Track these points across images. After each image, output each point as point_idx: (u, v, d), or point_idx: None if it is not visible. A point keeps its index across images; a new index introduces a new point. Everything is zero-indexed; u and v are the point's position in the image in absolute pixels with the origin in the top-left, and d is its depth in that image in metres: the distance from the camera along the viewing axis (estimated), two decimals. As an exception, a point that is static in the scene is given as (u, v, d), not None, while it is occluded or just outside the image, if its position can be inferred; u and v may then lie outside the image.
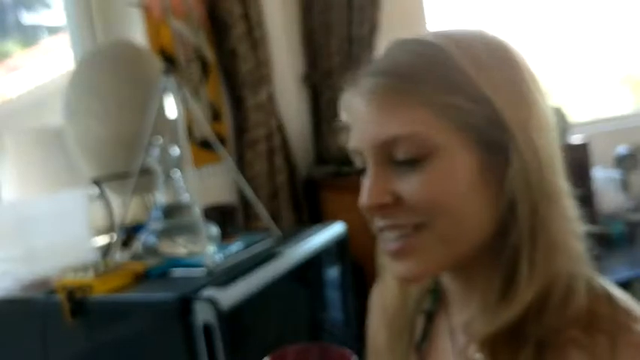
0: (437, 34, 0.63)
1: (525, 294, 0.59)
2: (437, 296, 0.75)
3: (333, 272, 1.62)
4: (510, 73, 0.62)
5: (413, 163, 0.60)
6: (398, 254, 0.62)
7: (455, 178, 0.59)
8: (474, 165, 0.60)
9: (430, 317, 0.74)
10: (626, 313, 0.60)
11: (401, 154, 0.60)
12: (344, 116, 0.67)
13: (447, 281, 0.72)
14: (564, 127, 2.58)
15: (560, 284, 0.60)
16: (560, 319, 0.59)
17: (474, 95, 0.59)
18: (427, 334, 0.73)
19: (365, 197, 0.62)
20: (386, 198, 0.61)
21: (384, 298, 0.79)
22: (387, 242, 0.63)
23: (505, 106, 0.59)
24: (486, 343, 0.61)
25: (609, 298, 0.62)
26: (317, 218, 2.57)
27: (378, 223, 0.63)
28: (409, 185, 0.60)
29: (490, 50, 0.62)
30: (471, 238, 0.62)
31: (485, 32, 0.65)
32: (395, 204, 0.61)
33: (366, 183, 0.62)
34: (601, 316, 0.60)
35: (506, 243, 0.60)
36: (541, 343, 0.59)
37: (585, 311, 0.60)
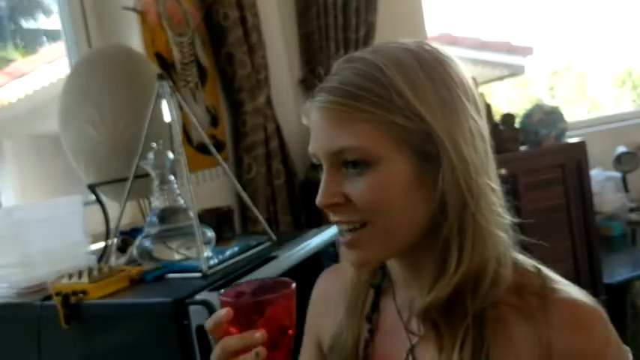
0: (379, 51, 0.73)
1: (454, 277, 0.69)
2: (384, 273, 0.85)
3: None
4: (442, 89, 0.71)
5: (359, 169, 0.70)
6: (348, 245, 0.74)
7: (393, 183, 0.70)
8: (410, 172, 0.70)
9: (378, 291, 0.84)
10: (549, 278, 0.73)
11: (349, 160, 0.70)
12: (305, 122, 0.77)
13: (393, 265, 0.83)
14: (562, 127, 2.58)
15: (490, 267, 0.70)
16: (495, 294, 0.70)
17: (409, 113, 0.69)
18: (376, 307, 0.84)
19: (320, 197, 0.72)
20: (337, 198, 0.72)
21: (332, 291, 0.90)
22: (341, 234, 0.75)
23: (436, 121, 0.69)
24: (425, 316, 0.72)
25: (534, 270, 0.74)
26: (315, 221, 2.57)
27: (332, 217, 0.75)
28: (356, 188, 0.70)
29: (426, 68, 0.71)
30: (407, 233, 0.72)
31: (427, 48, 0.74)
32: (345, 203, 0.71)
33: (321, 184, 0.72)
34: (529, 284, 0.72)
35: (440, 235, 0.71)
36: (481, 315, 0.71)
37: (516, 283, 0.72)
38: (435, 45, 0.76)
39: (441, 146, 0.69)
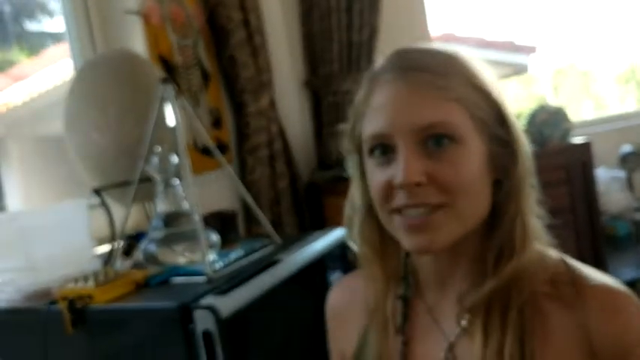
0: (442, 47, 0.76)
1: (518, 261, 0.71)
2: (408, 282, 0.83)
3: (336, 278, 1.62)
4: (498, 83, 0.76)
5: (443, 147, 0.70)
6: (420, 228, 0.71)
7: (474, 163, 0.71)
8: (485, 154, 0.72)
9: (406, 301, 0.83)
10: (579, 268, 0.74)
11: (434, 139, 0.70)
12: (361, 105, 0.77)
13: (426, 263, 0.81)
14: (566, 127, 2.57)
15: (533, 257, 0.72)
16: (534, 285, 0.72)
17: (487, 96, 0.72)
18: (406, 316, 0.82)
19: (402, 175, 0.69)
20: (422, 177, 0.69)
21: (354, 300, 0.88)
22: (408, 218, 0.71)
23: (507, 107, 0.74)
24: (479, 307, 0.72)
25: (565, 262, 0.75)
26: (319, 223, 2.57)
27: (403, 200, 0.71)
28: (439, 168, 0.70)
29: (483, 66, 0.76)
30: (477, 217, 0.73)
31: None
32: (428, 183, 0.70)
33: (402, 163, 0.69)
34: (562, 273, 0.73)
35: (499, 222, 0.73)
36: (521, 306, 0.71)
37: (550, 274, 0.73)
38: None
39: (514, 132, 0.73)
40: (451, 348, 0.76)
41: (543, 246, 0.76)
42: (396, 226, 0.74)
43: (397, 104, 0.71)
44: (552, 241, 0.77)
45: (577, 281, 0.71)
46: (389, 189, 0.72)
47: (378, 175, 0.73)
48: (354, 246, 0.85)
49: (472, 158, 0.71)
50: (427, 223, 0.70)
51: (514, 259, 0.71)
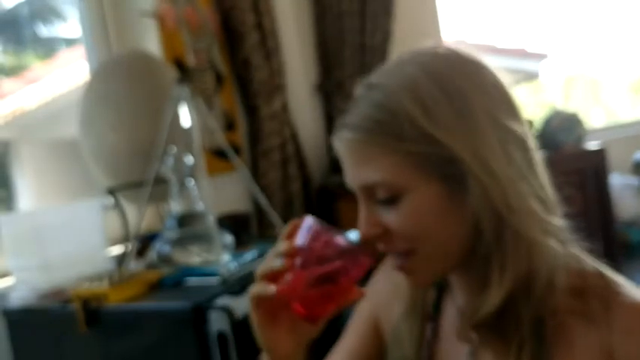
0: (396, 74, 0.71)
1: (498, 291, 0.68)
2: None
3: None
4: (462, 106, 0.67)
5: (390, 201, 0.69)
6: (403, 270, 0.73)
7: (426, 210, 0.68)
8: (440, 196, 0.68)
9: (440, 290, 0.83)
10: (612, 281, 0.70)
11: (379, 195, 0.69)
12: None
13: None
14: (580, 132, 2.55)
15: (541, 275, 0.68)
16: (551, 301, 0.68)
17: (424, 139, 0.66)
18: (438, 307, 0.82)
19: (360, 229, 0.72)
20: (376, 229, 0.70)
21: (396, 276, 0.84)
22: (392, 260, 0.74)
23: (455, 142, 0.66)
24: (477, 328, 0.71)
25: (597, 273, 0.71)
26: (331, 226, 2.56)
27: (379, 246, 0.73)
28: (392, 219, 0.69)
29: (444, 85, 0.68)
30: (453, 254, 0.71)
31: (455, 53, 0.72)
32: (385, 233, 0.70)
33: (360, 216, 0.72)
34: (592, 286, 0.69)
35: (479, 252, 0.69)
36: (539, 320, 0.68)
37: (577, 286, 0.69)
38: (465, 50, 0.73)
39: (465, 167, 0.66)
40: (473, 354, 0.76)
41: (576, 255, 0.72)
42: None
43: (344, 163, 0.72)
44: (584, 249, 0.73)
45: (606, 296, 0.68)
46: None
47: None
48: None
49: (425, 205, 0.68)
50: (404, 267, 0.72)
51: (495, 290, 0.68)
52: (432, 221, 0.68)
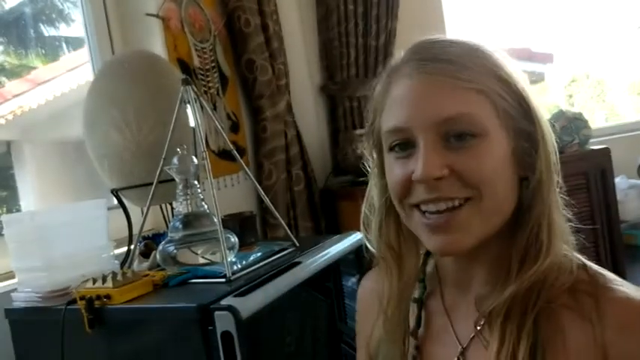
0: (465, 39, 0.73)
1: (542, 265, 0.68)
2: (425, 285, 0.82)
3: (351, 282, 1.61)
4: (522, 75, 0.72)
5: (464, 141, 0.67)
6: (442, 228, 0.69)
7: (497, 157, 0.68)
8: (509, 147, 0.69)
9: (421, 304, 0.81)
10: (603, 276, 0.70)
11: (455, 132, 0.67)
12: (379, 99, 0.74)
13: (447, 263, 0.79)
14: (586, 133, 2.55)
15: (556, 261, 0.69)
16: (552, 291, 0.68)
17: (512, 88, 0.69)
18: (421, 320, 0.81)
19: (421, 169, 0.67)
20: (443, 171, 0.67)
21: (379, 291, 0.84)
22: (429, 217, 0.69)
23: (532, 100, 0.70)
24: (497, 313, 0.69)
25: (587, 268, 0.71)
26: (334, 228, 2.56)
27: (423, 195, 0.69)
28: (462, 160, 0.67)
29: (508, 59, 0.73)
30: (502, 215, 0.70)
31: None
32: (449, 176, 0.67)
33: (421, 157, 0.67)
34: (583, 281, 0.69)
35: (524, 222, 0.70)
36: (536, 314, 0.68)
37: (570, 282, 0.69)
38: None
39: (539, 125, 0.69)
40: (463, 353, 0.75)
41: (569, 249, 0.72)
42: (416, 224, 0.72)
43: (416, 97, 0.69)
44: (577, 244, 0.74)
45: (597, 292, 0.68)
46: (408, 184, 0.70)
47: (397, 169, 0.71)
48: (372, 246, 0.83)
49: (496, 151, 0.67)
50: (450, 222, 0.68)
51: (539, 261, 0.68)
52: (500, 168, 0.68)
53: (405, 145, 0.70)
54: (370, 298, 0.89)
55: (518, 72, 0.71)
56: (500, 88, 0.68)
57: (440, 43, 0.71)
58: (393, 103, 0.71)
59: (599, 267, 0.72)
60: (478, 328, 0.73)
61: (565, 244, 0.71)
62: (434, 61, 0.68)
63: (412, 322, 0.81)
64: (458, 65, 0.67)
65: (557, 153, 0.73)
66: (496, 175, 0.67)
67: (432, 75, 0.68)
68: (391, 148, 0.72)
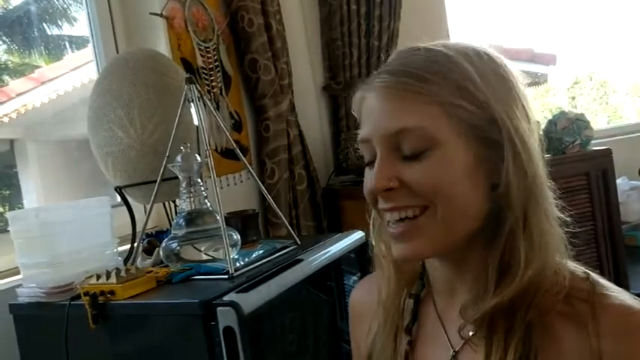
0: (445, 45, 0.72)
1: (523, 277, 0.66)
2: (423, 282, 0.83)
3: (352, 281, 1.62)
4: (505, 85, 0.71)
5: (417, 153, 0.68)
6: (403, 235, 0.70)
7: (452, 167, 0.68)
8: (471, 157, 0.68)
9: (417, 301, 0.82)
10: (598, 283, 0.70)
11: (407, 144, 0.68)
12: (356, 110, 0.76)
13: (435, 268, 0.79)
14: (587, 134, 2.55)
15: (549, 270, 0.68)
16: (547, 300, 0.67)
17: (477, 100, 0.68)
18: (416, 317, 0.81)
19: (373, 181, 0.70)
20: (392, 182, 0.69)
21: (369, 301, 0.86)
22: (392, 225, 0.71)
23: (501, 109, 0.69)
24: (482, 321, 0.69)
25: (583, 276, 0.71)
26: (336, 227, 2.57)
27: (382, 205, 0.71)
28: (413, 173, 0.68)
29: (489, 64, 0.72)
30: (467, 223, 0.70)
31: (486, 49, 0.74)
32: (400, 188, 0.69)
33: (375, 169, 0.70)
34: (578, 289, 0.69)
35: (500, 231, 0.68)
36: (529, 323, 0.67)
37: (564, 289, 0.68)
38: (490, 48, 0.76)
39: (505, 132, 0.68)
40: (455, 356, 0.75)
41: (563, 258, 0.71)
42: (386, 231, 0.75)
43: (375, 111, 0.71)
44: (572, 251, 0.72)
45: (593, 299, 0.67)
46: (374, 194, 0.72)
47: (366, 179, 0.74)
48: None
49: (452, 162, 0.67)
50: (409, 230, 0.70)
51: (519, 274, 0.66)
52: (456, 179, 0.68)
53: (371, 156, 0.73)
54: (360, 308, 0.92)
55: (490, 84, 0.69)
56: (461, 98, 0.67)
57: (408, 53, 0.73)
58: (363, 115, 0.74)
59: (597, 275, 0.72)
60: (469, 334, 0.73)
61: (557, 253, 0.70)
62: (396, 75, 0.70)
63: (407, 318, 0.81)
64: (417, 78, 0.68)
65: (539, 160, 0.71)
66: (452, 184, 0.68)
67: (389, 88, 0.69)
68: (363, 158, 0.75)
